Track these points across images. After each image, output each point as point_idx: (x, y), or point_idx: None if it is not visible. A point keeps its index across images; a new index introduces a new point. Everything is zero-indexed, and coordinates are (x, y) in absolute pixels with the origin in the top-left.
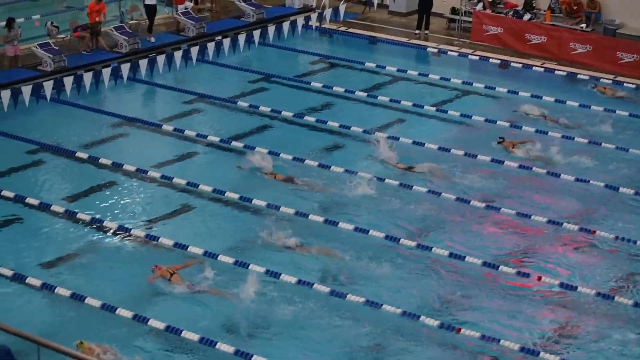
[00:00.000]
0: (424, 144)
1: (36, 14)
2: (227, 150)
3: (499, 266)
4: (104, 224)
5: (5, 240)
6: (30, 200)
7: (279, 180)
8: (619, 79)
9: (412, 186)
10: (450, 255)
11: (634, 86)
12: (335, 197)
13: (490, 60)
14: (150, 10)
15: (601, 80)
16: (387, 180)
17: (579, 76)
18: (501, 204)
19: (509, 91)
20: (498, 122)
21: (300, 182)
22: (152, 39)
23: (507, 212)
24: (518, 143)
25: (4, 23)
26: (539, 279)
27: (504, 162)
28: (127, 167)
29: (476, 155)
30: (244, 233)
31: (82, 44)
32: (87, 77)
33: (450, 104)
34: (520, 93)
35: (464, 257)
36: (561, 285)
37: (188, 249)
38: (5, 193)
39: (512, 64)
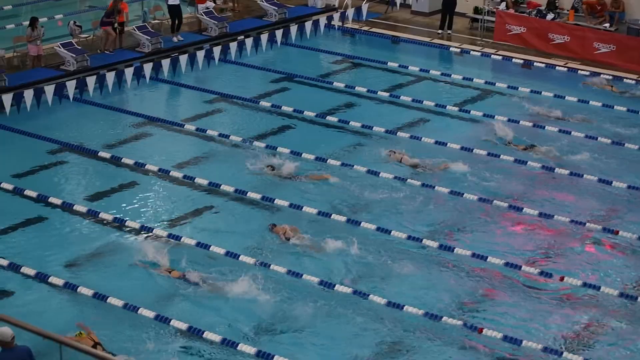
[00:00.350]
0: (447, 144)
1: (59, 13)
2: (250, 150)
3: (521, 266)
4: (127, 223)
5: (28, 239)
6: (53, 200)
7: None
8: None
9: (434, 186)
10: (473, 255)
11: None
12: (353, 197)
13: (513, 60)
14: (174, 11)
15: (624, 80)
16: (408, 180)
17: (602, 76)
18: (523, 203)
19: (532, 91)
20: (521, 122)
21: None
22: (176, 39)
23: (529, 212)
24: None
25: (27, 22)
26: (562, 279)
27: (526, 162)
28: (149, 166)
29: (499, 155)
30: (264, 232)
31: (105, 42)
32: (110, 77)
33: (472, 104)
34: (543, 93)
35: (486, 257)
36: (584, 285)
37: (210, 249)
38: (29, 192)
39: (535, 63)
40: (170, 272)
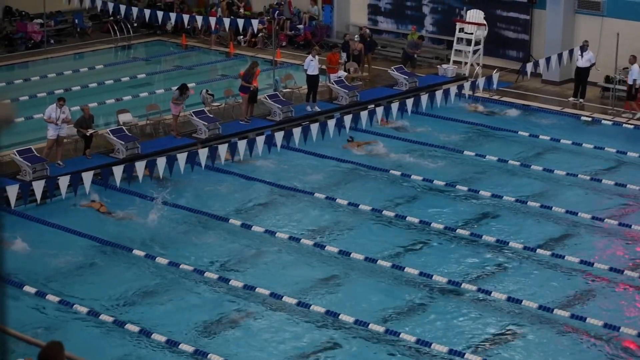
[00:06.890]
0: (577, 214)
1: (191, 82)
2: (379, 219)
3: None
4: (256, 290)
5: (155, 306)
6: (184, 267)
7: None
8: None
9: (564, 256)
10: (605, 325)
11: None
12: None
13: None
14: (313, 80)
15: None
16: (538, 251)
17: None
18: None
19: None
20: None
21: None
22: (311, 108)
23: None
24: (363, 144)
25: (160, 91)
26: None
27: None
28: (279, 234)
29: (630, 225)
30: None
31: (245, 109)
32: (242, 145)
33: (604, 174)
34: None
35: (619, 328)
36: None
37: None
38: (160, 260)
39: None
40: None
